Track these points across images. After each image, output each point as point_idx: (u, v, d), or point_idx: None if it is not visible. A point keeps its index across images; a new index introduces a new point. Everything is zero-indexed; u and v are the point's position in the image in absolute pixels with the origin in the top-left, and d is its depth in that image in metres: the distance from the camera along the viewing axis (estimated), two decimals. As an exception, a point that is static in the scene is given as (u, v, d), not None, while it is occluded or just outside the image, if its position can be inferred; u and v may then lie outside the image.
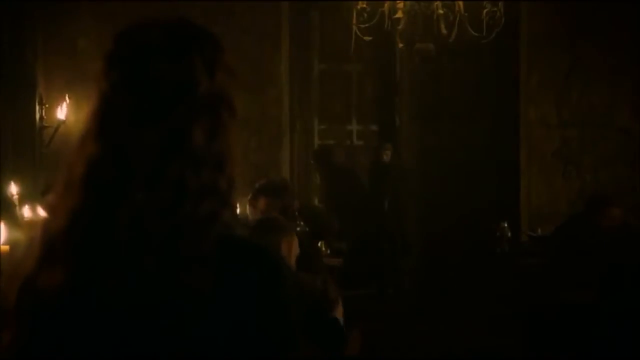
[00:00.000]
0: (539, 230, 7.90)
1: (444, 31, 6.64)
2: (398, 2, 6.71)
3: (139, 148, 1.27)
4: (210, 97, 1.31)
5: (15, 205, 5.40)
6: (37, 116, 8.25)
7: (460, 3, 6.70)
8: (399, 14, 6.73)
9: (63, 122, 8.03)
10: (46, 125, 8.22)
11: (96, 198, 1.27)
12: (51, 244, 1.29)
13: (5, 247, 3.36)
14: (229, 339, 1.26)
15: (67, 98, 8.04)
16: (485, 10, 6.79)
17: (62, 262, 1.27)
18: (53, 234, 1.29)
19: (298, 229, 5.33)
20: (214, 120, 1.31)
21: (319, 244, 6.32)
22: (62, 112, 8.05)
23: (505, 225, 7.45)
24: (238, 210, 6.39)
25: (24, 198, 5.96)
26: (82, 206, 1.28)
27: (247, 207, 5.27)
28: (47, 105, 8.28)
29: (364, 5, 6.78)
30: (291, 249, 3.85)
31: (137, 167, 1.26)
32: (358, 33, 6.91)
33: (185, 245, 1.25)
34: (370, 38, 6.94)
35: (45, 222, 1.33)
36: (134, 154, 1.26)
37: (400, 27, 6.70)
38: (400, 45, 7.12)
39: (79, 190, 1.28)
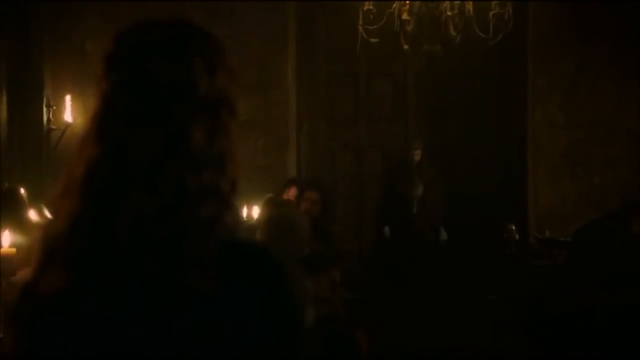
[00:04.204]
0: (547, 232, 7.88)
1: (453, 33, 6.62)
2: (404, 3, 6.69)
3: (138, 149, 1.26)
4: (210, 97, 1.30)
5: (23, 208, 5.39)
6: (45, 118, 8.26)
7: (470, 4, 6.68)
8: (405, 16, 6.72)
9: (70, 124, 8.03)
10: (53, 127, 8.23)
11: (95, 200, 1.26)
12: (52, 248, 1.28)
13: (12, 250, 3.36)
14: (233, 341, 1.25)
15: (68, 100, 8.04)
16: (492, 12, 6.78)
17: (63, 267, 1.26)
18: (53, 237, 1.28)
19: None
20: (213, 121, 1.30)
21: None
22: (68, 114, 8.05)
23: (513, 227, 7.43)
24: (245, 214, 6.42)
25: (31, 200, 5.96)
26: (82, 209, 1.27)
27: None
28: (54, 108, 8.29)
29: (370, 7, 6.77)
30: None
31: (136, 168, 1.25)
32: (364, 34, 6.91)
33: (188, 248, 1.24)
34: (376, 40, 6.93)
35: (46, 226, 1.32)
36: (133, 155, 1.25)
37: (409, 28, 6.69)
38: (406, 47, 7.10)
39: (78, 193, 1.27)
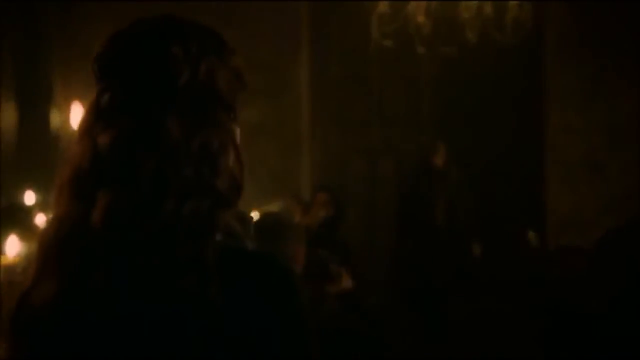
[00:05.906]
0: (566, 239, 7.79)
1: (470, 35, 6.55)
2: (419, 4, 6.63)
3: (116, 143, 1.23)
4: (193, 89, 1.26)
5: (27, 218, 5.37)
6: (54, 123, 8.24)
7: (488, 5, 6.61)
8: (420, 18, 6.67)
9: (79, 129, 7.99)
10: (62, 132, 8.19)
11: (78, 201, 1.23)
12: (46, 254, 1.26)
13: (14, 259, 3.30)
14: (234, 343, 1.21)
15: (73, 106, 8.00)
16: (509, 14, 6.73)
17: (56, 272, 1.23)
18: (47, 243, 1.26)
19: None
20: (197, 113, 1.25)
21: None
22: (75, 119, 8.01)
23: (532, 234, 7.36)
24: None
25: (40, 206, 5.93)
26: (69, 212, 1.24)
27: None
28: (63, 112, 8.25)
29: (385, 8, 6.72)
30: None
31: (114, 163, 1.22)
32: (378, 37, 6.86)
33: (179, 246, 1.19)
34: (390, 42, 6.88)
35: (42, 232, 1.30)
36: (112, 150, 1.23)
37: (424, 31, 6.63)
38: (421, 49, 7.04)
39: (65, 195, 1.26)
